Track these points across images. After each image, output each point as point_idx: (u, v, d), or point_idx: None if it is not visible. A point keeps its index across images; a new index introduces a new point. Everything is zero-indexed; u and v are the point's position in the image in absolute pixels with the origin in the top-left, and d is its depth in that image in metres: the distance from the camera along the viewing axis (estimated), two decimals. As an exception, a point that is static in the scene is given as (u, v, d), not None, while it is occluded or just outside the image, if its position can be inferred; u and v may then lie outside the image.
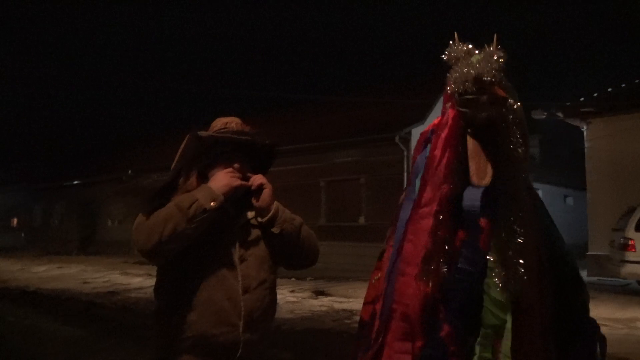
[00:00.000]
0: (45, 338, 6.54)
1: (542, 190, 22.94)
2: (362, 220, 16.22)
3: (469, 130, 1.67)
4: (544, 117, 13.77)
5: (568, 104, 13.93)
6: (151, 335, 1.91)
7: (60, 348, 6.00)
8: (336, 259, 14.76)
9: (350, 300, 9.40)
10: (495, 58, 1.66)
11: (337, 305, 8.98)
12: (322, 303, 9.32)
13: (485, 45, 1.71)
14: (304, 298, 9.79)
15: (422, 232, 1.62)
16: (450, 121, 1.69)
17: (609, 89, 13.74)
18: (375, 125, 16.21)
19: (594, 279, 11.83)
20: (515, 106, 1.65)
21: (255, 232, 1.91)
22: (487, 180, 1.62)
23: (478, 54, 1.70)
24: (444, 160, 1.65)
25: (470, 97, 1.64)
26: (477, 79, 1.64)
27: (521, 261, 1.52)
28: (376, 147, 15.93)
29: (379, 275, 1.75)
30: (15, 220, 35.01)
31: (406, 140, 15.12)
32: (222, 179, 1.84)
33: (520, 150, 1.61)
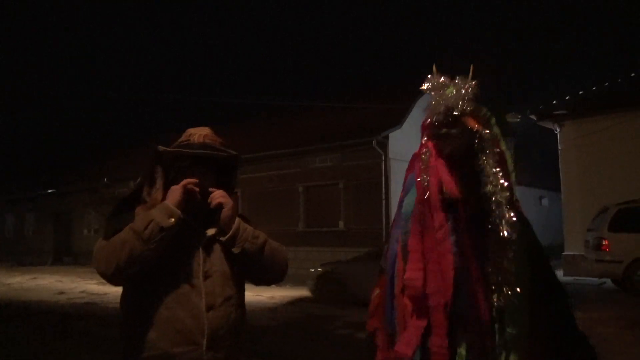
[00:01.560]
0: (18, 353, 6.35)
1: (517, 192, 23.29)
2: (341, 225, 16.24)
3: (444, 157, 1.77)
4: (519, 119, 14.01)
5: (541, 107, 14.19)
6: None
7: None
8: (316, 265, 14.72)
9: (330, 307, 9.37)
10: (467, 90, 1.75)
11: (316, 312, 8.95)
12: (300, 309, 9.28)
13: (458, 78, 1.81)
14: (283, 305, 9.74)
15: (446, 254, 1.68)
16: (432, 151, 1.79)
17: (581, 92, 14.04)
18: (352, 130, 16.25)
19: (569, 278, 12.03)
20: (488, 135, 1.71)
21: (219, 249, 1.85)
22: (453, 195, 1.70)
23: (452, 86, 1.79)
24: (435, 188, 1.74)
25: (441, 130, 1.75)
26: (448, 112, 1.74)
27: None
28: (354, 152, 15.97)
29: (378, 291, 1.84)
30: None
31: (384, 145, 15.19)
32: (175, 190, 1.79)
33: (494, 177, 1.65)
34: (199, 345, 1.71)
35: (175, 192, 1.78)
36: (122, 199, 1.89)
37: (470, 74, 1.80)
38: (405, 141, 13.80)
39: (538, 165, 22.91)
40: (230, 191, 1.91)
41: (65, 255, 25.23)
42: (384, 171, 15.27)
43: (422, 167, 1.78)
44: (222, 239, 1.83)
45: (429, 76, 1.84)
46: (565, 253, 13.23)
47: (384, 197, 15.20)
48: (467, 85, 1.77)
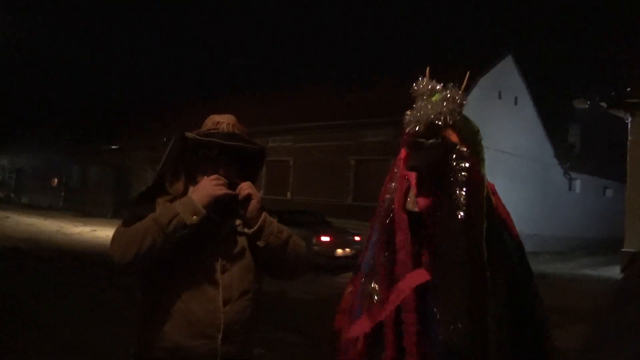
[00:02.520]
0: (68, 302, 6.72)
1: (580, 180, 22.22)
2: (389, 201, 16.10)
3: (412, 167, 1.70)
4: (587, 106, 13.22)
5: (613, 93, 13.30)
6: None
7: (80, 314, 6.16)
8: (362, 238, 14.68)
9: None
10: (453, 100, 1.63)
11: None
12: (338, 284, 9.30)
13: (450, 85, 1.69)
14: (318, 276, 9.76)
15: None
16: (402, 159, 1.73)
17: (659, 80, 13.02)
18: (408, 106, 15.90)
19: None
20: (466, 154, 1.60)
21: (240, 241, 1.82)
22: (417, 207, 1.64)
23: (440, 93, 1.67)
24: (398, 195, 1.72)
25: (415, 140, 1.68)
26: (429, 122, 1.63)
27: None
28: (408, 128, 15.67)
29: (351, 288, 1.86)
30: (55, 180, 36.19)
31: (440, 123, 14.81)
32: (205, 189, 1.74)
33: (460, 194, 1.56)
34: (214, 339, 1.71)
35: (206, 192, 1.73)
36: (143, 191, 1.86)
37: (464, 82, 1.69)
38: (462, 121, 13.37)
39: (604, 154, 21.68)
40: (253, 182, 1.87)
41: (124, 209, 26.38)
42: (437, 150, 14.92)
43: (389, 177, 1.74)
44: (248, 231, 1.80)
45: (420, 79, 1.75)
46: (624, 250, 12.55)
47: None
48: (455, 95, 1.65)
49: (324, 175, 17.70)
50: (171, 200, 1.76)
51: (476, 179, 1.59)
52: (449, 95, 1.65)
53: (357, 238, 12.53)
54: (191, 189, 1.81)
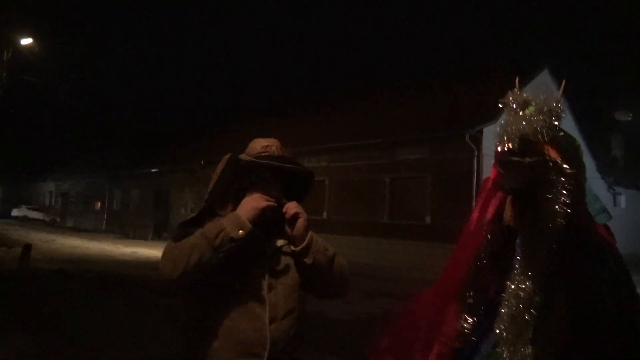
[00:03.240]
0: (111, 323, 6.87)
1: (625, 195, 21.44)
2: (428, 219, 15.87)
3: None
4: (630, 118, 12.84)
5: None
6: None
7: (125, 336, 6.28)
8: (398, 257, 14.51)
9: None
10: (550, 113, 1.50)
11: (396, 308, 8.81)
12: (379, 304, 9.20)
13: (543, 95, 1.54)
14: (359, 298, 9.68)
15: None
16: (491, 180, 1.61)
17: None
18: (444, 123, 15.77)
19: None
20: (567, 169, 1.45)
21: (286, 260, 1.86)
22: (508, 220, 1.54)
23: (534, 104, 1.53)
24: (477, 217, 1.63)
25: (511, 158, 1.51)
26: (523, 139, 1.49)
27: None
28: (444, 145, 15.51)
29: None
30: (98, 204, 37.32)
31: (477, 139, 14.60)
32: (250, 203, 1.79)
33: (561, 216, 1.42)
34: (261, 357, 1.72)
35: (250, 206, 1.78)
36: (194, 215, 1.90)
37: (561, 91, 1.55)
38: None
39: (651, 167, 20.92)
40: (299, 203, 1.91)
41: (164, 231, 26.91)
42: (475, 167, 14.69)
43: (482, 201, 1.61)
44: (295, 248, 1.84)
45: (510, 91, 1.60)
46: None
47: (474, 193, 14.64)
48: (552, 106, 1.50)
49: (360, 194, 17.67)
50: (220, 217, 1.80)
51: (579, 197, 1.47)
52: (545, 108, 1.52)
53: None
54: None
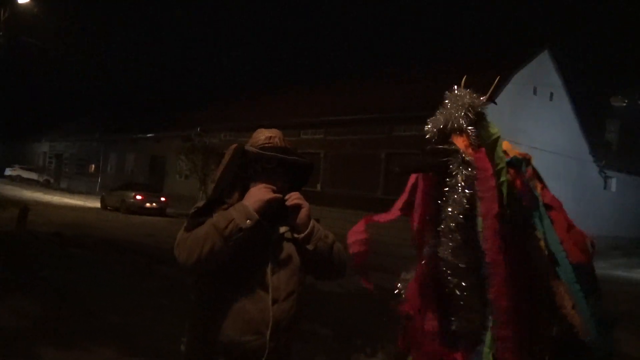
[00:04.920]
0: (109, 288, 7.03)
1: (615, 179, 21.67)
2: (420, 195, 16.07)
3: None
4: (625, 104, 12.95)
5: (653, 91, 12.98)
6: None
7: (124, 301, 6.46)
8: (390, 232, 14.72)
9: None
10: (466, 106, 1.72)
11: (387, 285, 9.04)
12: (369, 278, 9.39)
13: (466, 91, 1.76)
14: (350, 272, 9.88)
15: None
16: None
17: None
18: (440, 101, 15.81)
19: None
20: (468, 159, 1.68)
21: (288, 246, 2.01)
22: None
23: (450, 99, 1.79)
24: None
25: (428, 146, 1.81)
26: (440, 129, 1.76)
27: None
28: (441, 123, 15.58)
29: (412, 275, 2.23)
30: (93, 167, 37.27)
31: (472, 119, 14.67)
32: (256, 194, 1.93)
33: (462, 199, 1.69)
34: (263, 335, 1.89)
35: (257, 197, 1.91)
36: (202, 204, 2.01)
37: (492, 88, 1.77)
38: (496, 118, 13.19)
39: (643, 152, 21.09)
40: (298, 191, 2.05)
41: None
42: (470, 146, 14.81)
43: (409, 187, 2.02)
44: (298, 236, 1.98)
45: (454, 87, 1.82)
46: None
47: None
48: (471, 101, 1.73)
49: (355, 168, 17.79)
50: (226, 209, 1.93)
51: (487, 185, 1.67)
52: (463, 102, 1.74)
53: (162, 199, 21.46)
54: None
